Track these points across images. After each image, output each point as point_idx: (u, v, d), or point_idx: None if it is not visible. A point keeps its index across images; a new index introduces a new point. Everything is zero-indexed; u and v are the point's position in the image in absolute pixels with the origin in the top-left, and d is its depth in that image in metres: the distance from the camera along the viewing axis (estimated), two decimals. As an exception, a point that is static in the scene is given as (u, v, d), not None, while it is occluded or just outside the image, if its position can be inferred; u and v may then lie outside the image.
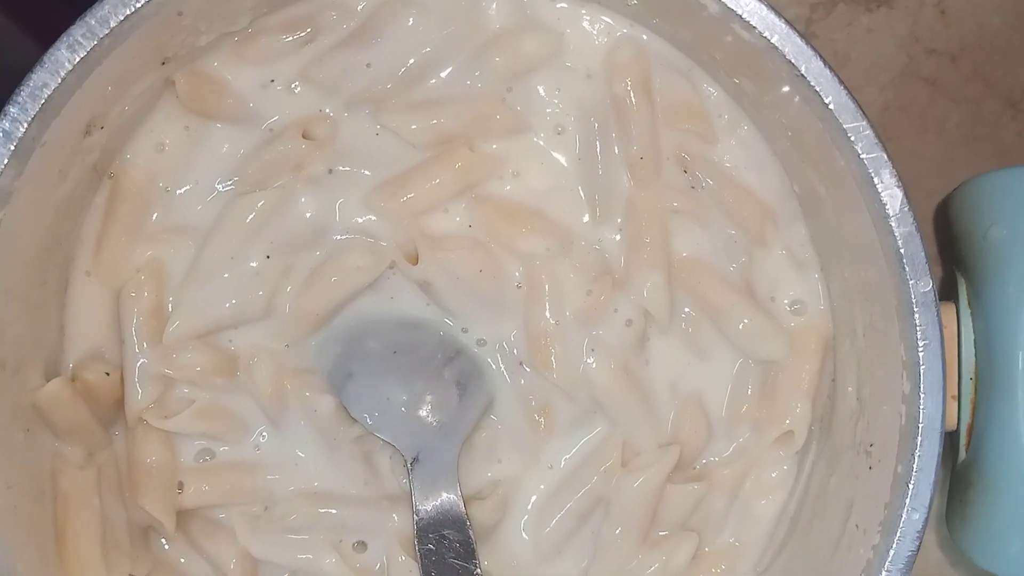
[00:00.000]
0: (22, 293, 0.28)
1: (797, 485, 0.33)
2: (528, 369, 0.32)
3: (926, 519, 0.27)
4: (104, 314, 0.31)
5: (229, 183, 0.31)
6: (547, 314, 0.32)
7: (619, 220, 0.32)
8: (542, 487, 0.33)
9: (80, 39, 0.26)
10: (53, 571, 0.29)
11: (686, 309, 0.32)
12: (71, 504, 0.29)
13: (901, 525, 0.27)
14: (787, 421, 0.32)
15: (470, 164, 0.32)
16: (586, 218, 0.32)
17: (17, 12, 0.36)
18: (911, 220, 0.27)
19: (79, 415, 0.30)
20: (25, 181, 0.27)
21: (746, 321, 0.32)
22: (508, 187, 0.32)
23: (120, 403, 0.31)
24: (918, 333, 0.26)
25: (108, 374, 0.31)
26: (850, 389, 0.31)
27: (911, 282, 0.27)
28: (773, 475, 0.33)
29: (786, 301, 0.32)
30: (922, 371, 0.27)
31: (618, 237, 0.32)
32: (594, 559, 0.32)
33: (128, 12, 0.26)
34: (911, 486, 0.27)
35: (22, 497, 0.28)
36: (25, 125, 0.26)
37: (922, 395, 0.26)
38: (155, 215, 0.31)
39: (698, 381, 0.32)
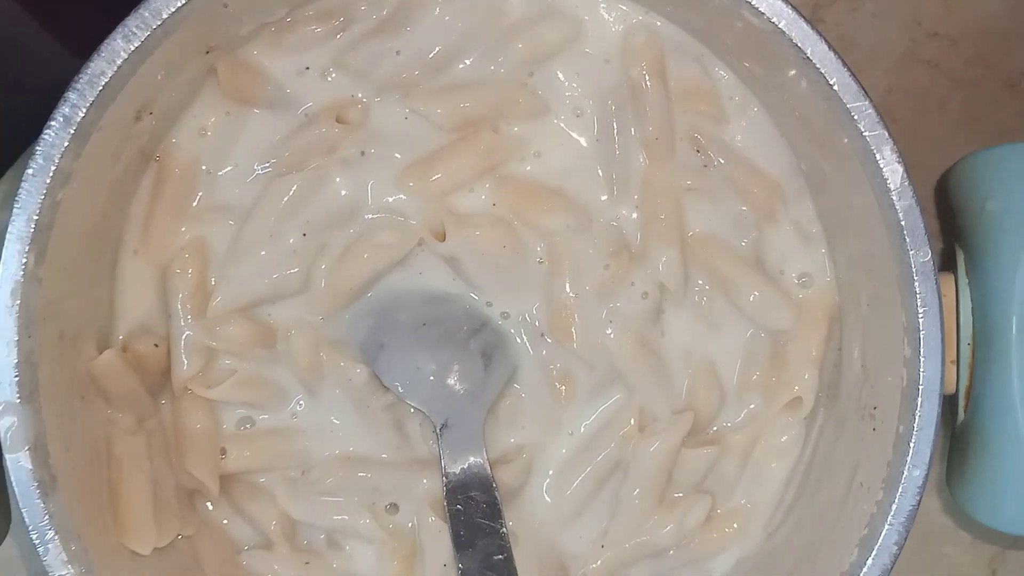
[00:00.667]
0: (78, 269, 0.30)
1: (805, 449, 0.34)
2: (549, 340, 0.34)
3: (926, 475, 0.28)
4: (151, 290, 0.33)
5: (267, 165, 0.33)
6: (567, 288, 0.33)
7: (635, 197, 0.33)
8: (563, 451, 0.34)
9: (135, 30, 0.28)
10: (109, 529, 0.30)
11: (699, 282, 0.34)
12: (124, 468, 0.31)
13: (903, 481, 0.28)
14: (796, 388, 0.33)
15: (494, 146, 0.33)
16: (604, 196, 0.34)
17: (50, 22, 0.37)
18: (911, 194, 0.28)
19: (130, 384, 0.32)
20: (83, 163, 0.28)
21: (756, 293, 0.33)
22: (529, 167, 0.34)
23: (167, 373, 0.33)
24: (918, 300, 0.28)
25: (156, 346, 0.33)
26: (855, 356, 0.32)
27: (911, 253, 0.28)
28: (783, 439, 0.34)
29: (794, 274, 0.34)
30: (922, 336, 0.28)
31: (634, 214, 0.34)
32: (613, 519, 0.34)
33: (179, 4, 0.28)
34: (912, 445, 0.28)
35: (80, 460, 0.30)
36: (84, 111, 0.28)
37: (922, 359, 0.28)
38: (198, 196, 0.33)
39: (711, 350, 0.34)
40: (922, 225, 0.28)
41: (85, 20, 0.37)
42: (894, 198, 0.28)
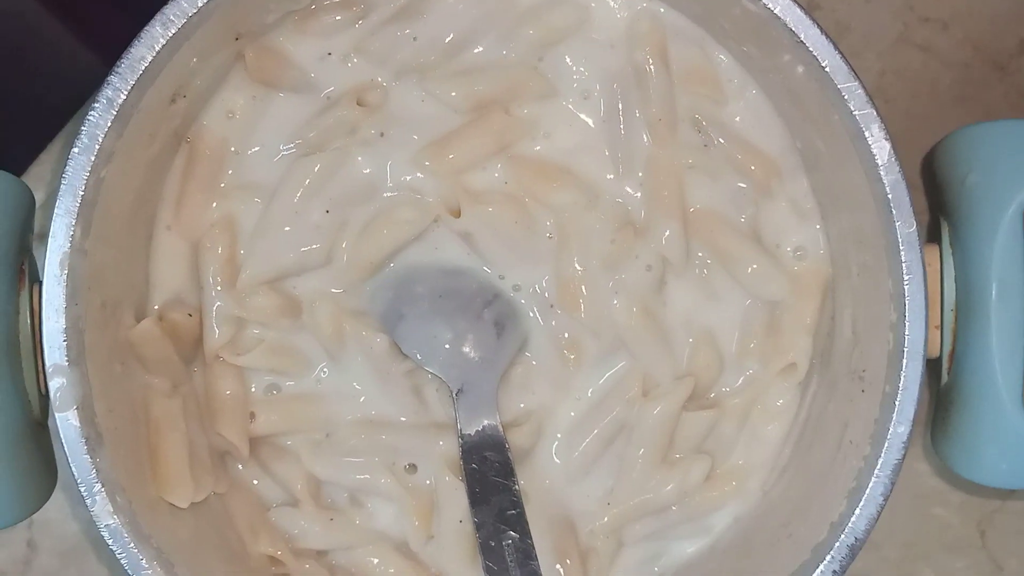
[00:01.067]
0: (118, 243, 0.32)
1: (800, 411, 0.36)
2: (558, 311, 0.35)
3: (910, 432, 0.30)
4: (184, 263, 0.35)
5: (291, 146, 0.35)
6: (575, 261, 0.35)
7: (640, 175, 0.35)
8: (571, 415, 0.36)
9: (172, 17, 0.29)
10: (149, 484, 0.32)
11: (700, 255, 0.35)
12: (162, 428, 0.33)
13: (888, 437, 0.30)
14: (791, 355, 0.35)
15: (506, 127, 0.35)
16: (610, 174, 0.35)
17: (74, 22, 0.39)
18: (898, 169, 0.30)
19: (165, 351, 0.33)
20: (124, 143, 0.30)
21: (754, 266, 0.35)
22: (539, 147, 0.35)
23: (199, 342, 0.35)
24: (904, 268, 0.30)
25: (190, 315, 0.34)
26: (846, 324, 0.34)
27: (898, 224, 0.30)
28: (778, 403, 0.36)
29: (789, 247, 0.35)
30: (907, 302, 0.30)
31: (639, 191, 0.35)
32: (618, 479, 0.35)
33: (213, -7, 0.29)
34: (897, 403, 0.30)
35: (121, 420, 0.32)
36: (125, 93, 0.29)
37: (907, 323, 0.30)
38: (227, 176, 0.35)
39: (711, 320, 0.35)
40: (908, 198, 0.30)
41: (100, 16, 0.39)
42: (882, 173, 0.30)
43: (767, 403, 0.36)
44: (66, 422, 0.30)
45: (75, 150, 0.29)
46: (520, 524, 0.34)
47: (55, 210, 0.29)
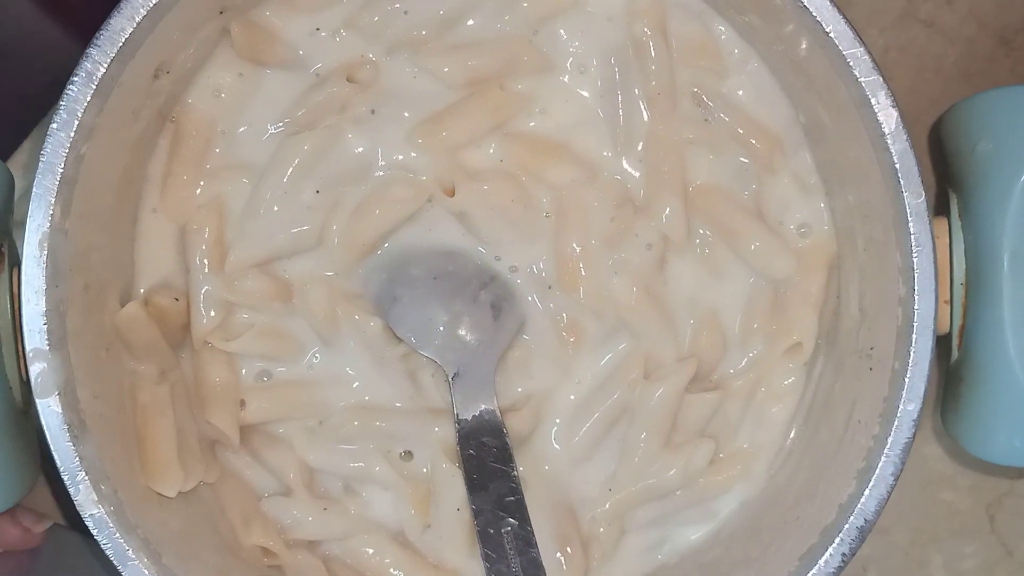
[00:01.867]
0: (102, 224, 0.31)
1: (806, 392, 0.35)
2: (557, 292, 0.35)
3: (920, 409, 0.29)
4: (171, 246, 0.34)
5: (280, 125, 0.34)
6: (573, 240, 0.34)
7: (639, 151, 0.34)
8: (572, 398, 0.35)
9: (153, -13, 0.29)
10: (137, 473, 0.32)
11: (701, 232, 0.35)
12: (149, 415, 0.32)
13: (898, 415, 0.29)
14: (795, 334, 0.34)
15: (501, 103, 0.34)
16: (608, 151, 0.34)
17: (53, 7, 0.38)
18: (905, 138, 0.29)
19: (152, 336, 0.33)
20: (105, 119, 0.29)
21: (757, 243, 0.34)
22: (535, 123, 0.34)
23: (187, 328, 0.34)
24: (912, 240, 0.29)
25: (177, 300, 0.33)
26: (853, 301, 0.33)
27: (906, 195, 0.29)
28: (784, 384, 0.35)
29: (793, 224, 0.35)
30: (916, 275, 0.29)
31: (638, 168, 0.34)
32: (620, 463, 0.35)
33: (196, -38, 0.29)
34: (907, 380, 0.29)
35: (108, 406, 0.31)
36: (105, 66, 0.29)
37: (916, 296, 0.29)
38: (214, 156, 0.34)
39: (714, 299, 0.35)
40: (916, 168, 0.29)
41: (85, 6, 0.38)
42: (889, 142, 0.29)
43: (772, 384, 0.35)
44: (47, 408, 0.29)
45: (54, 126, 0.29)
46: (519, 511, 0.33)
47: (33, 188, 0.29)
